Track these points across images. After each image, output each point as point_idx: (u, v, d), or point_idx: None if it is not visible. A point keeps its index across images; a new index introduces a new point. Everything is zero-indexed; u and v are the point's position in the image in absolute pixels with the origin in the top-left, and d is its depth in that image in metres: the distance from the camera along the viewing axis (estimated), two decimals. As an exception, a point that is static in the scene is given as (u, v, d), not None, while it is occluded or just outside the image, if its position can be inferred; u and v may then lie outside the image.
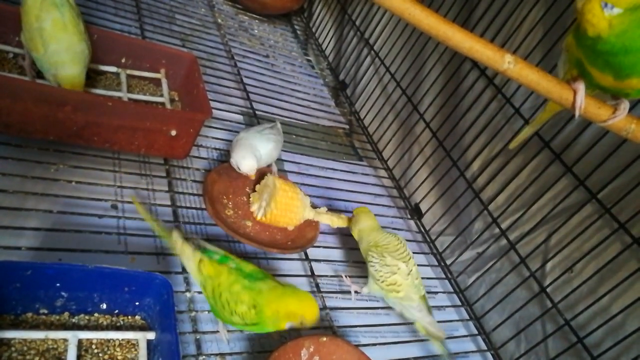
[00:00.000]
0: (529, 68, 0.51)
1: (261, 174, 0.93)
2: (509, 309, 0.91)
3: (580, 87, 0.54)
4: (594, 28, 0.48)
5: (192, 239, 0.67)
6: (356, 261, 0.93)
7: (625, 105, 0.55)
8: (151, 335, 0.62)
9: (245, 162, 0.82)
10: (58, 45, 0.72)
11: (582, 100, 0.54)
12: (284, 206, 0.82)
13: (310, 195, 0.90)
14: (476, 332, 0.94)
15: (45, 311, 0.60)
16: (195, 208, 0.85)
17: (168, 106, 0.90)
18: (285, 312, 0.60)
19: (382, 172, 1.21)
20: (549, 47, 0.87)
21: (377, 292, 0.81)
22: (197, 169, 0.91)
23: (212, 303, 0.64)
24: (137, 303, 0.64)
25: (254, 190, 0.88)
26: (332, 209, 0.91)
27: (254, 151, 0.83)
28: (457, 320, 0.96)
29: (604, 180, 0.78)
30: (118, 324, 0.63)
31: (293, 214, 0.84)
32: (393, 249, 0.79)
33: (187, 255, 0.65)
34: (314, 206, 0.88)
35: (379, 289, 0.80)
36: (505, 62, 0.50)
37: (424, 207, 1.10)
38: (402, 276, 0.77)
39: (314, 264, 0.87)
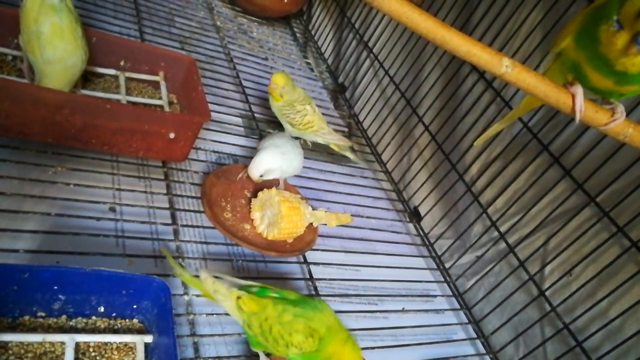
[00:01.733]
0: (526, 72, 0.51)
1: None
2: (507, 313, 0.90)
3: (579, 91, 0.53)
4: (626, 69, 0.50)
5: (222, 276, 0.64)
6: (355, 264, 0.93)
7: (622, 108, 0.55)
8: (149, 339, 0.62)
9: (260, 167, 0.83)
10: (54, 52, 0.71)
11: (581, 104, 0.54)
12: (290, 218, 0.82)
13: (308, 198, 0.90)
14: (475, 335, 0.94)
15: (43, 314, 0.60)
16: (194, 211, 0.85)
17: (167, 109, 0.90)
18: (340, 358, 0.60)
19: (381, 175, 1.21)
20: (547, 50, 0.87)
21: (295, 132, 1.02)
22: (196, 172, 0.91)
23: (261, 340, 0.60)
24: (134, 306, 0.64)
25: (254, 196, 0.88)
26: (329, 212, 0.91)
27: (282, 162, 0.85)
28: (455, 324, 0.96)
29: (602, 183, 0.78)
30: (115, 327, 0.63)
31: (300, 224, 0.84)
32: (299, 99, 0.98)
33: (223, 294, 0.61)
34: (312, 208, 0.88)
35: (298, 130, 1.01)
36: (503, 66, 0.50)
37: (422, 210, 1.10)
38: (311, 115, 0.99)
39: (312, 267, 0.87)
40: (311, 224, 0.87)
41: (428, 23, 0.47)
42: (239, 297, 0.61)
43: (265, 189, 0.85)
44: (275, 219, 0.82)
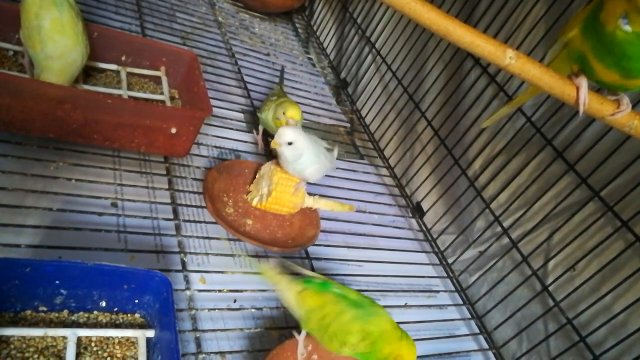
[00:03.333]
0: (530, 63, 0.50)
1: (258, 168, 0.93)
2: (510, 308, 0.90)
3: (583, 82, 0.53)
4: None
5: (289, 265, 0.66)
6: (357, 260, 0.93)
7: (627, 100, 0.55)
8: (150, 333, 0.61)
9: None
10: (54, 47, 0.71)
11: (585, 96, 0.53)
12: (284, 187, 0.82)
13: (311, 194, 0.90)
14: (478, 331, 0.94)
15: (45, 309, 0.59)
16: (196, 206, 0.85)
17: (168, 104, 0.90)
18: (398, 355, 0.61)
19: (384, 171, 1.21)
20: (551, 44, 0.86)
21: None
22: (198, 167, 0.91)
23: (317, 334, 0.63)
24: (136, 301, 0.64)
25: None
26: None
27: (318, 156, 0.83)
28: (458, 319, 0.95)
29: (606, 178, 0.78)
30: (117, 322, 0.62)
31: (295, 198, 0.84)
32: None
33: (284, 287, 0.64)
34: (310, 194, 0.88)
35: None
36: (507, 57, 0.49)
37: (425, 205, 1.10)
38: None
39: (314, 262, 0.87)
40: (313, 216, 0.87)
41: (431, 14, 0.46)
42: (300, 291, 0.63)
43: (266, 163, 0.85)
44: (268, 189, 0.82)
